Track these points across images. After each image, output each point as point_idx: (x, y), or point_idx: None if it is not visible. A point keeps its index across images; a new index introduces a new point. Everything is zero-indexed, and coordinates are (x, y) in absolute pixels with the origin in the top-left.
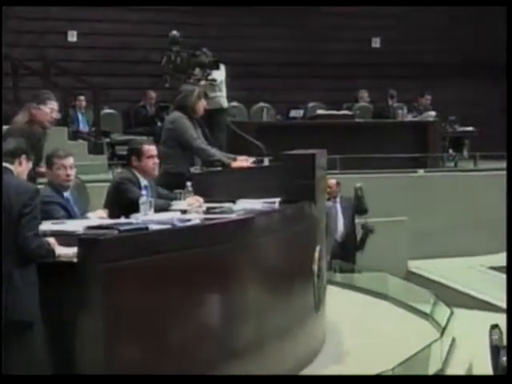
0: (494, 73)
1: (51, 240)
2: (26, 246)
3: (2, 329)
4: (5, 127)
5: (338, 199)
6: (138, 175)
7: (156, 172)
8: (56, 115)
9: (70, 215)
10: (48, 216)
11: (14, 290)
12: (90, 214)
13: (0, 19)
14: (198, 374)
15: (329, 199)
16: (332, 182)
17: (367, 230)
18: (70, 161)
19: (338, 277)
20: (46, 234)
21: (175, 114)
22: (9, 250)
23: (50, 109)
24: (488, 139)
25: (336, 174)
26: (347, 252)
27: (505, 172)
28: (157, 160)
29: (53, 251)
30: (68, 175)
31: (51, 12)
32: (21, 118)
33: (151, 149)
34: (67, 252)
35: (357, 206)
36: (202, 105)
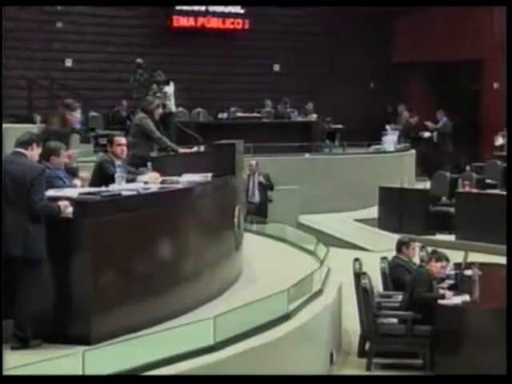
0: (360, 89)
1: (66, 202)
2: (33, 206)
3: (20, 264)
4: (9, 125)
5: (256, 174)
6: (113, 158)
7: (123, 155)
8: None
9: (64, 182)
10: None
11: (28, 237)
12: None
13: (0, 19)
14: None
15: (249, 175)
16: (252, 162)
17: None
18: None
19: (253, 227)
20: (60, 198)
21: (141, 115)
22: (24, 210)
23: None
24: (352, 133)
25: (250, 156)
26: (261, 211)
27: (365, 155)
28: (124, 147)
29: (54, 210)
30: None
31: (54, 46)
32: (56, 121)
33: (118, 139)
34: (70, 210)
35: (268, 186)
36: (158, 112)
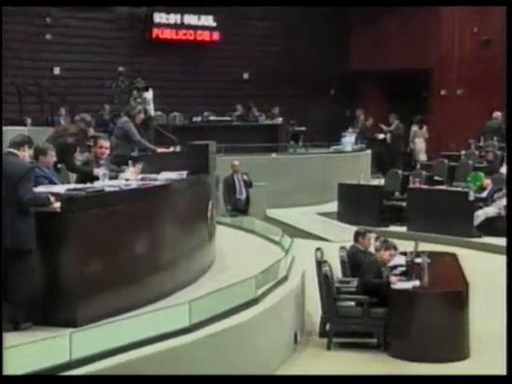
0: (321, 95)
1: (52, 197)
2: (21, 199)
3: (10, 255)
4: (8, 128)
5: (239, 174)
6: (96, 158)
7: (102, 157)
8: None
9: (51, 182)
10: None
11: (17, 230)
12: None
13: (0, 19)
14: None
15: (233, 174)
16: (236, 163)
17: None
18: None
19: (227, 220)
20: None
21: (125, 119)
22: (12, 203)
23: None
24: (314, 135)
25: (221, 156)
26: (247, 207)
27: (325, 155)
28: (105, 150)
29: (44, 200)
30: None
31: (43, 55)
32: (71, 129)
33: (102, 142)
34: (58, 205)
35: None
36: (140, 117)
